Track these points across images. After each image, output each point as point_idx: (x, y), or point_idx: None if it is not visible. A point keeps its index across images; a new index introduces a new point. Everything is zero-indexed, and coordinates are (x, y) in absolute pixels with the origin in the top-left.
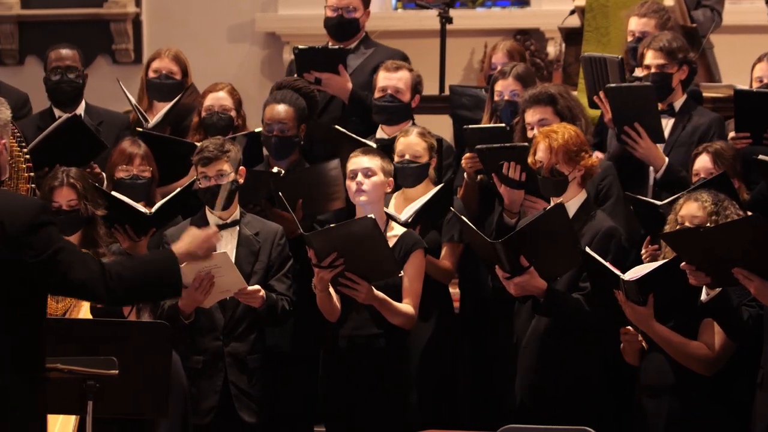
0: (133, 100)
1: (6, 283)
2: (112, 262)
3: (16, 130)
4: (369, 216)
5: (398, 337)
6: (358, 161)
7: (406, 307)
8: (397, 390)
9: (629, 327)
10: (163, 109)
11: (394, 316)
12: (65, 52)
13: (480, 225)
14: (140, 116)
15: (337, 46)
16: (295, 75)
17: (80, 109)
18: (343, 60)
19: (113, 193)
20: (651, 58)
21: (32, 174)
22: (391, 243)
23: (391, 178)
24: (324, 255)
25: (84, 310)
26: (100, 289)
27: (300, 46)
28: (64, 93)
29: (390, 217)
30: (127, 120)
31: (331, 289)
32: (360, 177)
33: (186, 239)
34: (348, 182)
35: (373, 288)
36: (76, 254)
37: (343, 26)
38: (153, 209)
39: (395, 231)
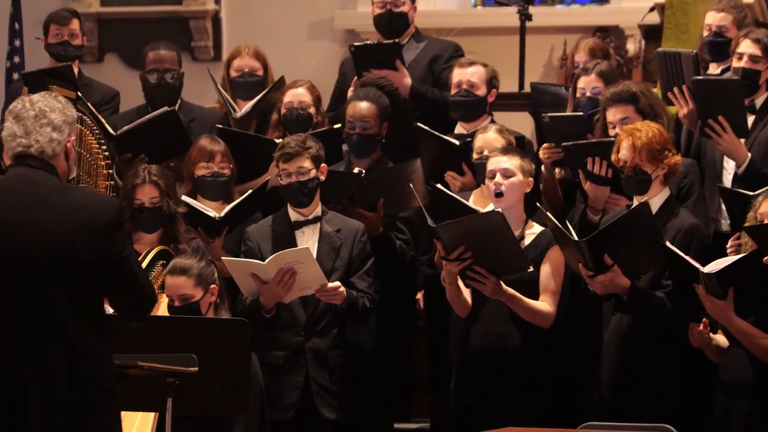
0: (224, 92)
1: (88, 275)
2: None
3: (95, 128)
4: (497, 210)
5: (532, 335)
6: (497, 161)
7: (542, 304)
8: (530, 389)
9: (700, 322)
10: (247, 103)
11: (527, 313)
12: (164, 53)
13: (562, 221)
14: (229, 107)
15: (391, 40)
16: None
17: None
18: (400, 54)
19: (183, 197)
20: (746, 46)
21: (110, 171)
22: (528, 241)
23: (531, 178)
24: (452, 247)
25: (162, 308)
26: (149, 301)
27: (355, 44)
28: (161, 97)
29: None
30: (221, 117)
31: (461, 284)
32: (498, 178)
33: None
34: (486, 182)
35: (502, 283)
36: (138, 262)
37: (393, 21)
38: (222, 214)
39: (534, 229)
